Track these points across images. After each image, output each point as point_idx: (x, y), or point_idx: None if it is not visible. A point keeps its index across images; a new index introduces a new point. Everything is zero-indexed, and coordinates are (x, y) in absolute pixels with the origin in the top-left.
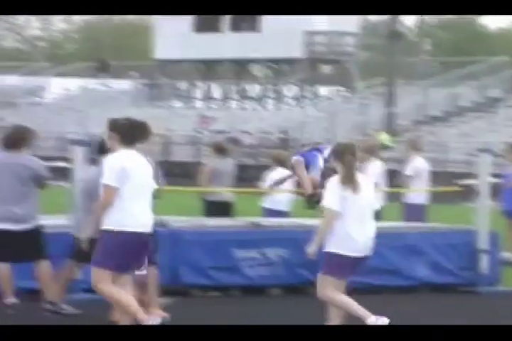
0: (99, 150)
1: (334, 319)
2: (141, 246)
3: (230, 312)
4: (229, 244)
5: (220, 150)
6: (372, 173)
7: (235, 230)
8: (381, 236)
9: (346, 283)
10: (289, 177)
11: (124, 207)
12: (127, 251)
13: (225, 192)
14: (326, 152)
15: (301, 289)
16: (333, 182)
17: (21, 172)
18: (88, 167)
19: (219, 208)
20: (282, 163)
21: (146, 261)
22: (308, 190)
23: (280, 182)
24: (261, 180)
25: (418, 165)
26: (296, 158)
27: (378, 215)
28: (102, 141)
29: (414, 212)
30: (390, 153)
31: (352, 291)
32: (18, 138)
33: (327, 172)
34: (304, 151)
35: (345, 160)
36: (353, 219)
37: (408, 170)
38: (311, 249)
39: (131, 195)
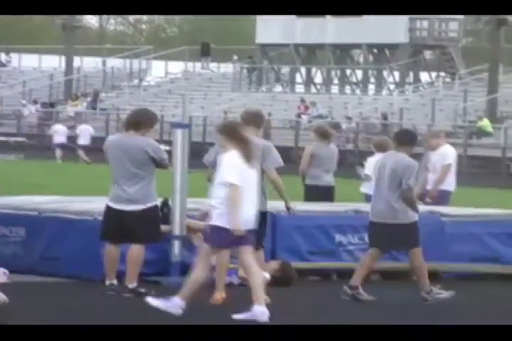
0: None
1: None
2: None
3: (329, 295)
4: (328, 229)
5: (323, 135)
6: (443, 157)
7: (334, 215)
8: (481, 224)
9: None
10: None
11: None
12: None
13: (326, 177)
14: None
15: (399, 273)
16: (232, 158)
17: (136, 153)
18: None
19: (320, 193)
20: (384, 149)
21: (255, 243)
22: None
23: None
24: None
25: None
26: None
27: None
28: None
29: None
30: (491, 140)
31: (455, 278)
32: (137, 121)
33: None
34: None
35: (241, 136)
36: (244, 194)
37: None
38: (238, 227)
39: None
